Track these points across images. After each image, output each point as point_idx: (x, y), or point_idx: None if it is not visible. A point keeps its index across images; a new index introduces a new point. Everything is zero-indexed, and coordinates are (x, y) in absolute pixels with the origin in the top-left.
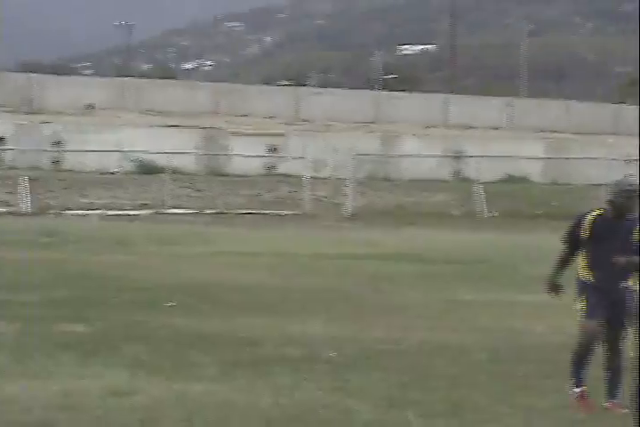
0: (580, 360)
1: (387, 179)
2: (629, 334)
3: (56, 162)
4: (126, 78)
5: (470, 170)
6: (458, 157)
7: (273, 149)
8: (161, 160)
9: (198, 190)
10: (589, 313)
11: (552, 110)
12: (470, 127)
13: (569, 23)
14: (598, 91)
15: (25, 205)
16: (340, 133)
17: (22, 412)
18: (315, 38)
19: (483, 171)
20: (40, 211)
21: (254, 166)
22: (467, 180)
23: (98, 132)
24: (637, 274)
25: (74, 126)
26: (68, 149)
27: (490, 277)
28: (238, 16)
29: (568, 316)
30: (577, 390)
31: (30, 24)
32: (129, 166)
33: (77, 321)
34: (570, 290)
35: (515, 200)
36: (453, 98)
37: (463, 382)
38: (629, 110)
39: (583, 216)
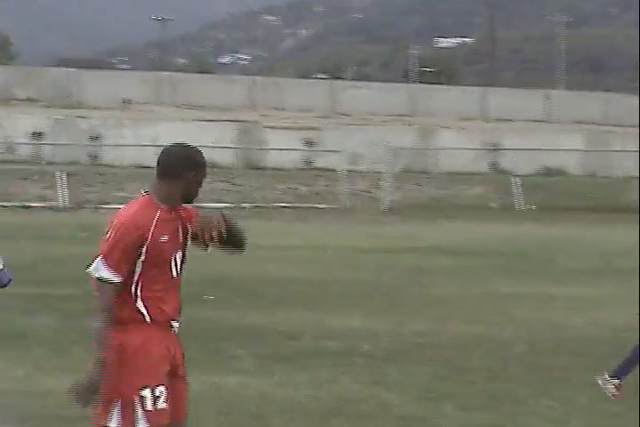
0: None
1: (424, 172)
2: None
3: (93, 157)
4: (163, 73)
5: (507, 163)
6: (495, 149)
7: (309, 143)
8: None
9: (235, 184)
10: None
11: (591, 103)
12: (508, 120)
13: (606, 15)
14: (636, 83)
15: (62, 199)
16: (377, 127)
17: (60, 406)
18: (351, 32)
19: (520, 164)
20: (77, 206)
21: (291, 160)
22: (504, 172)
23: (135, 127)
24: None
25: (111, 121)
26: (105, 143)
27: (527, 270)
28: (275, 10)
29: (605, 309)
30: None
31: (64, 18)
32: None
33: None
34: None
35: (552, 193)
36: (491, 90)
37: (501, 375)
38: None
39: None
